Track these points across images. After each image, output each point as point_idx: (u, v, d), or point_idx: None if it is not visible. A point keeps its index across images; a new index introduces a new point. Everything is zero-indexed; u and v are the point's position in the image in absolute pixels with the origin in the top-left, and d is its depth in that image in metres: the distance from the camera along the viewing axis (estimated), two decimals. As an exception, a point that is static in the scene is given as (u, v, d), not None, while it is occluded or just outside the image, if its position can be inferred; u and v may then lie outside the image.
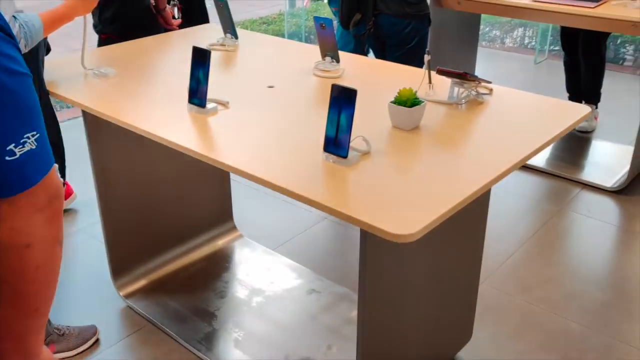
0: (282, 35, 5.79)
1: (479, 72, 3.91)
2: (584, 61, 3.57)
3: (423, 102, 1.57)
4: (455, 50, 3.60)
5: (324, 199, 1.25)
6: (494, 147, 1.48)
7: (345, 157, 1.38)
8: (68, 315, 2.26)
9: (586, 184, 3.17)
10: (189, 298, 2.35)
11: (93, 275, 2.50)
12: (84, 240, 2.75)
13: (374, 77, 1.99)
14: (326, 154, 1.42)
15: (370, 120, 1.63)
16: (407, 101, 1.55)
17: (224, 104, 1.74)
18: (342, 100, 1.38)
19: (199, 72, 1.67)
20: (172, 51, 2.27)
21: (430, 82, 1.80)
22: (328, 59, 2.04)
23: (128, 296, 2.34)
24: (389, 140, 1.52)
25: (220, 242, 2.65)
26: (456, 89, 1.74)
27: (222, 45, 2.30)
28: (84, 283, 2.46)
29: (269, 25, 6.04)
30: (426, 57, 1.76)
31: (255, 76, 1.99)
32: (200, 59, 1.66)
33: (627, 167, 3.15)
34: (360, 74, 2.00)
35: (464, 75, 1.67)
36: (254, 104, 1.76)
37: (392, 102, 1.58)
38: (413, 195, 1.26)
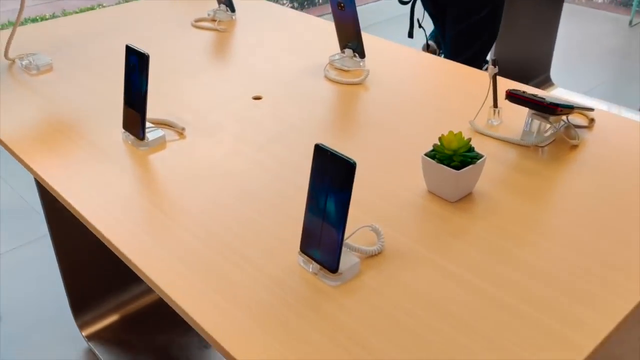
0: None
1: (560, 35, 3.16)
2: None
3: (482, 157, 0.95)
4: (533, 16, 2.86)
5: (278, 378, 0.68)
6: (600, 249, 0.85)
7: (334, 271, 0.80)
8: (19, 354, 1.81)
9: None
10: (166, 344, 1.85)
11: (53, 303, 2.02)
12: (41, 255, 2.25)
13: (414, 85, 1.36)
14: (304, 257, 0.83)
15: (390, 177, 1.02)
16: (454, 156, 0.93)
17: (179, 132, 1.17)
18: (332, 175, 0.78)
19: (136, 86, 1.09)
20: (140, 29, 1.68)
21: (496, 105, 1.17)
22: (349, 51, 1.42)
23: (91, 337, 1.86)
24: (417, 224, 0.91)
25: (217, 265, 2.13)
26: (536, 121, 1.10)
27: (212, 20, 1.70)
28: (41, 312, 1.99)
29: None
30: (490, 69, 1.13)
31: (240, 77, 1.39)
32: (136, 65, 1.08)
33: None
34: (393, 81, 1.37)
35: (553, 108, 1.02)
36: (225, 130, 1.18)
37: (427, 154, 0.96)
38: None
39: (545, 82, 3.28)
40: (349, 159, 0.75)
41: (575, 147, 1.10)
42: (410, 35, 2.22)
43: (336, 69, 1.41)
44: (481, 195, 0.97)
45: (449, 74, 1.40)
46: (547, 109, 1.03)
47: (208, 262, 0.85)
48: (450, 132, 0.95)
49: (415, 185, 1.00)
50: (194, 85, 1.35)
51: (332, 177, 0.77)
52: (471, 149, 0.95)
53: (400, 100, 1.28)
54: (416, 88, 1.33)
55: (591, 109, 1.15)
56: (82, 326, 1.87)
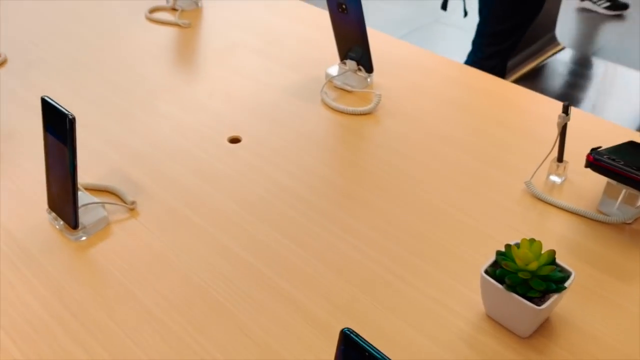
0: None
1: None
2: None
3: (569, 275, 0.65)
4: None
5: None
6: None
7: None
8: None
9: None
10: None
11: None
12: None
13: (443, 116, 1.04)
14: None
15: (426, 286, 0.72)
16: (533, 280, 0.63)
17: (129, 206, 0.84)
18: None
19: (60, 158, 0.76)
20: (77, 24, 1.32)
21: (561, 159, 0.86)
22: (351, 63, 1.08)
23: None
24: (480, 385, 0.62)
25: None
26: (619, 189, 0.80)
27: (172, 10, 1.33)
28: None
29: None
30: (560, 118, 0.81)
31: (210, 102, 1.06)
32: (59, 130, 0.74)
33: None
34: (413, 109, 1.04)
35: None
36: (190, 198, 0.86)
37: (488, 270, 0.66)
38: None
39: (551, 42, 2.96)
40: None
41: (673, 223, 0.81)
42: (444, 7, 1.85)
43: (337, 88, 1.08)
44: (561, 321, 0.68)
45: (493, 96, 1.08)
46: (646, 187, 0.73)
47: None
48: (524, 242, 0.65)
49: (465, 302, 0.70)
50: (146, 118, 1.02)
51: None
52: (557, 268, 0.65)
53: (424, 142, 0.96)
54: (446, 121, 1.01)
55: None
56: None
